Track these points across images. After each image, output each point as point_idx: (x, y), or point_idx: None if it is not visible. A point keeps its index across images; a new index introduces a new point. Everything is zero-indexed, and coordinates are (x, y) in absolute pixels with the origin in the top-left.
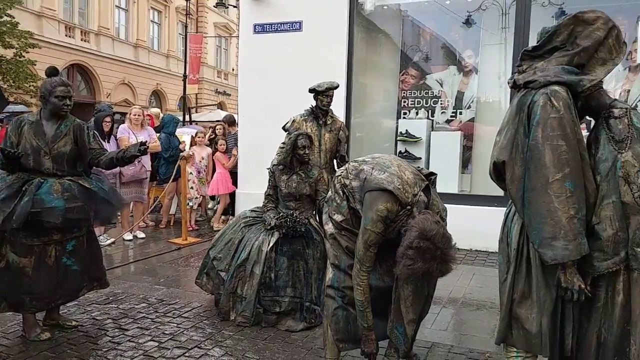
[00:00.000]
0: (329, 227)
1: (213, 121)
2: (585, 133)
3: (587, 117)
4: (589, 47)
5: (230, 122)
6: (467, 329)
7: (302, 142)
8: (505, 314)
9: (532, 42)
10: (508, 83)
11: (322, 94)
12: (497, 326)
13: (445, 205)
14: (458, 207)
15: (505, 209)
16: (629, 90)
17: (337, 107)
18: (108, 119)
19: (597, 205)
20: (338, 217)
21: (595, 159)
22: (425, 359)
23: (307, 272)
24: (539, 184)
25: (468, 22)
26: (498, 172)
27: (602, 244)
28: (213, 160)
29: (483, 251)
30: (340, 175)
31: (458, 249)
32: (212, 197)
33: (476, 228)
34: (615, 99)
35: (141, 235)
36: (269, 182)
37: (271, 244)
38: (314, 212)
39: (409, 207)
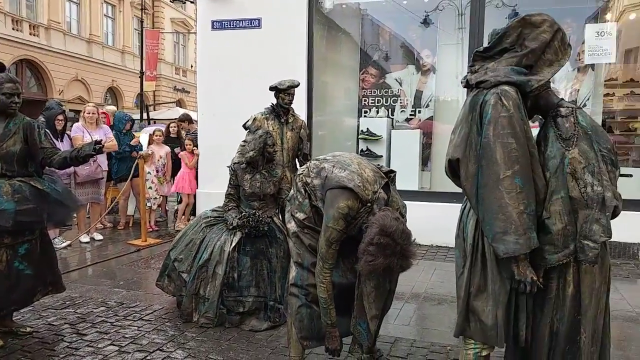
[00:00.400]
0: (292, 226)
1: (171, 119)
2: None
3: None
4: (536, 49)
5: (189, 119)
6: (429, 323)
7: (272, 140)
8: (463, 307)
9: (487, 42)
10: (461, 83)
11: (284, 92)
12: (456, 319)
13: (406, 202)
14: (419, 204)
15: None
16: (578, 90)
17: (298, 105)
18: (60, 117)
19: (547, 201)
20: (300, 215)
21: (545, 156)
22: (389, 354)
23: (270, 271)
24: (490, 180)
25: (426, 22)
26: (453, 169)
27: (552, 238)
28: (176, 158)
29: (443, 247)
30: (302, 173)
31: (419, 245)
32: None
33: (436, 224)
34: (562, 99)
35: (98, 237)
36: (230, 181)
37: (234, 244)
38: (277, 211)
39: (369, 204)
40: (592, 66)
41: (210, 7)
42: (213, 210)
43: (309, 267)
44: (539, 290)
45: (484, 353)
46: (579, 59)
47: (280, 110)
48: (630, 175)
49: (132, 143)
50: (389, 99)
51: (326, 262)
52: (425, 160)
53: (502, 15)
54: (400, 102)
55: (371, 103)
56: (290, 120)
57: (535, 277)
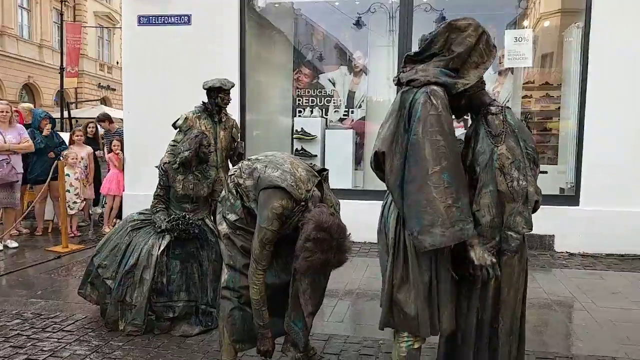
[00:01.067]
0: (223, 227)
1: (95, 118)
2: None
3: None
4: (462, 53)
5: (109, 119)
6: (363, 319)
7: (208, 140)
8: (387, 300)
9: (416, 45)
10: (393, 81)
11: (226, 92)
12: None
13: (340, 200)
14: (352, 202)
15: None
16: (499, 92)
17: (231, 104)
18: None
19: (477, 194)
20: (232, 217)
21: (475, 152)
22: (323, 351)
23: (201, 274)
24: (419, 175)
25: (358, 24)
26: (378, 162)
27: (482, 229)
28: (95, 160)
29: (376, 243)
30: (234, 174)
31: (353, 242)
32: (97, 202)
33: (369, 221)
34: (494, 99)
35: (13, 244)
36: (159, 181)
37: (162, 248)
38: (208, 212)
39: (303, 203)
40: (512, 70)
41: (136, 2)
42: (140, 213)
43: (241, 269)
44: (468, 281)
45: (416, 345)
46: (500, 63)
47: (215, 110)
48: (546, 172)
49: (43, 134)
50: (322, 99)
51: (259, 263)
52: (358, 159)
53: (430, 19)
54: (334, 102)
55: (305, 103)
56: (223, 120)
57: (495, 260)
